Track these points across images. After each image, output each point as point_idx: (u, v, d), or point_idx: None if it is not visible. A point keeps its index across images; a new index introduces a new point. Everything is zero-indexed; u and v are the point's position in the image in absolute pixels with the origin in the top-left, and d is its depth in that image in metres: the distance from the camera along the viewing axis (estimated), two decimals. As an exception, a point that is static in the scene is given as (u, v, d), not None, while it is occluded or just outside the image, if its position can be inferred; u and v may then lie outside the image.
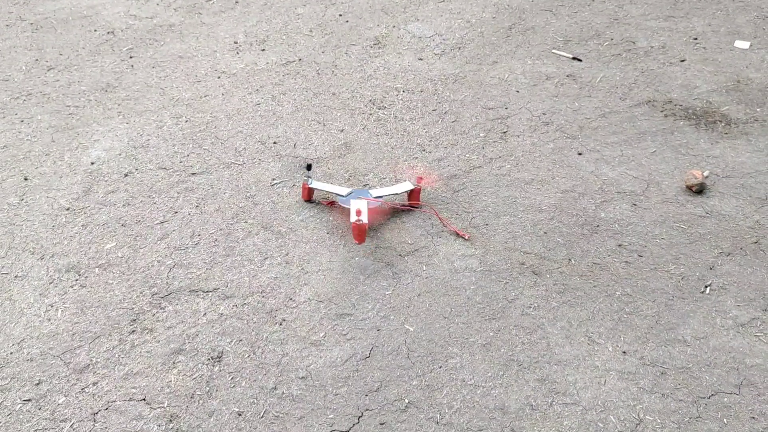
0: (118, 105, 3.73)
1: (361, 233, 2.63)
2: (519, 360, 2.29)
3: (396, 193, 2.92)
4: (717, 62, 3.75)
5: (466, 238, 2.75)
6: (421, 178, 2.95)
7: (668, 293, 2.49)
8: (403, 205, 2.93)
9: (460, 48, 4.06)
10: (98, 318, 2.49)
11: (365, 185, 3.05)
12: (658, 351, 2.29)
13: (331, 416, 2.14)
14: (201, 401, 2.19)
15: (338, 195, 2.88)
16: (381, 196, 2.87)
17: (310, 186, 2.91)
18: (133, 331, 2.43)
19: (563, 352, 2.31)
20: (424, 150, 3.24)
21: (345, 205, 2.82)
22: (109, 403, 2.20)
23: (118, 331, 2.44)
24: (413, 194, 2.93)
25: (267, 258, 2.71)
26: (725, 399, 2.14)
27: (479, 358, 2.30)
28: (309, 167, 2.90)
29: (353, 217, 2.62)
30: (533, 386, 2.20)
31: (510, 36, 4.14)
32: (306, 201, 2.97)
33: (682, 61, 3.77)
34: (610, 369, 2.25)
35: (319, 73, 3.92)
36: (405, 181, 3.01)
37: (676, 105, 3.44)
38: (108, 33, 4.47)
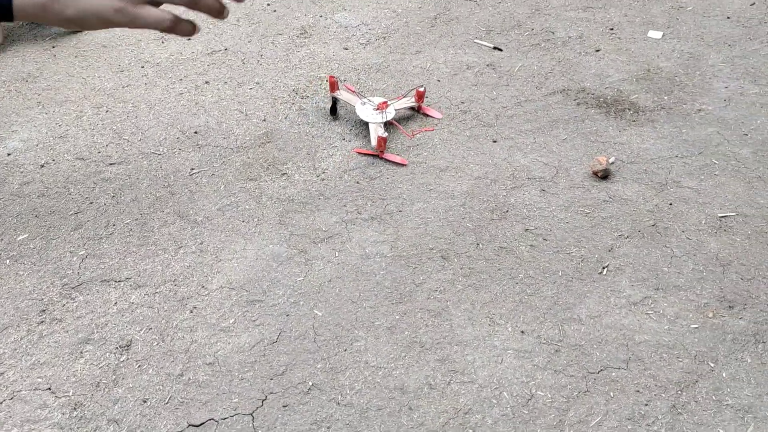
0: (38, 95, 3.68)
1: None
2: (422, 341, 2.37)
3: (406, 106, 3.44)
4: (630, 52, 3.88)
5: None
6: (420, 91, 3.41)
7: (568, 275, 2.61)
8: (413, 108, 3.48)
9: (385, 38, 4.12)
10: (7, 309, 2.48)
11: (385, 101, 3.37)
12: (554, 330, 2.40)
13: (236, 400, 2.19)
14: (106, 389, 2.22)
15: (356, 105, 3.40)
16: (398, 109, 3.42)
17: (337, 97, 3.46)
18: (42, 322, 2.44)
19: (465, 333, 2.40)
20: (344, 139, 3.29)
21: (364, 116, 3.32)
22: (14, 393, 2.21)
23: (27, 322, 2.44)
24: (419, 98, 3.43)
25: (181, 247, 2.74)
26: (613, 374, 2.26)
27: (384, 340, 2.37)
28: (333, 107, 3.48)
29: (379, 131, 3.19)
30: (433, 366, 2.28)
31: (434, 26, 4.21)
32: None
33: (597, 50, 3.90)
34: (507, 348, 2.34)
35: (244, 63, 3.93)
36: (408, 96, 3.50)
37: (588, 94, 3.56)
38: (31, 23, 4.38)
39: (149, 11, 0.98)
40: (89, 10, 0.96)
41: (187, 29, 1.01)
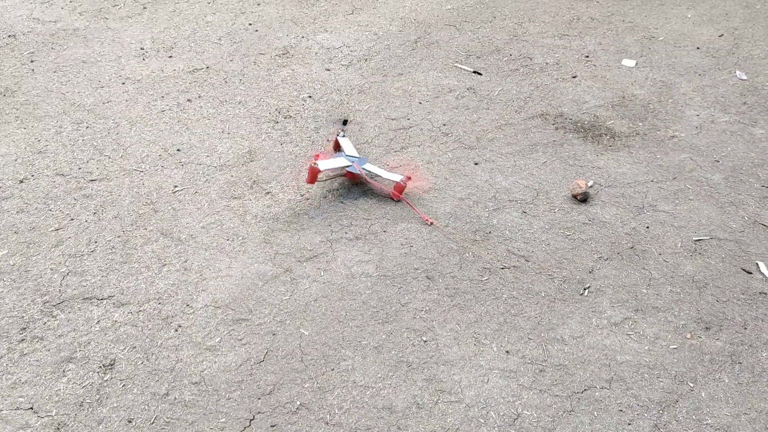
0: (16, 110, 3.63)
1: (312, 175, 3.00)
2: (408, 361, 2.38)
3: (382, 177, 3.19)
4: (605, 79, 3.99)
5: (430, 223, 2.97)
6: (410, 178, 3.14)
7: (550, 296, 2.65)
8: (381, 190, 3.18)
9: (366, 60, 4.17)
10: (-14, 327, 2.44)
11: (365, 156, 3.33)
12: (538, 350, 2.44)
13: (223, 420, 2.17)
14: (90, 409, 2.18)
15: (343, 167, 3.19)
16: (370, 172, 3.18)
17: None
18: (23, 340, 2.40)
19: (451, 353, 2.42)
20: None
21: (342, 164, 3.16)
22: (-6, 413, 2.16)
23: (7, 340, 2.40)
24: (396, 187, 3.14)
25: (165, 265, 2.72)
26: (596, 393, 2.30)
27: (371, 359, 2.38)
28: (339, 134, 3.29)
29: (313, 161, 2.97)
30: (420, 386, 2.30)
31: (415, 49, 4.28)
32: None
33: (574, 77, 4.00)
34: (493, 368, 2.37)
35: (226, 81, 3.94)
36: (396, 173, 3.26)
37: (566, 118, 3.65)
38: (9, 36, 4.34)
39: None
40: None
41: None
